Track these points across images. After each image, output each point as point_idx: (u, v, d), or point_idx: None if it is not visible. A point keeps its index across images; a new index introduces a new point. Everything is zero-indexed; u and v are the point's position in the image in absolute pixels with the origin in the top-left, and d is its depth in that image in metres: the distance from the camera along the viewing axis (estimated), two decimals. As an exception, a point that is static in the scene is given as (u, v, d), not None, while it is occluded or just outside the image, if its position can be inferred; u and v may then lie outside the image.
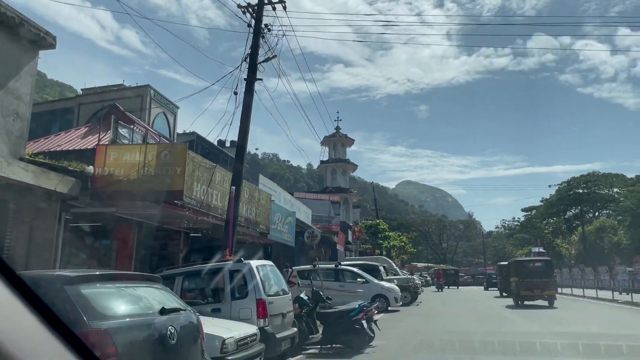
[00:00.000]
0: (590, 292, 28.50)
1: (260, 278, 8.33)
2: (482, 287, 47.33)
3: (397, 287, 20.58)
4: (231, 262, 8.56)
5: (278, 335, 8.18)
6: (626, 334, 12.26)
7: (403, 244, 45.21)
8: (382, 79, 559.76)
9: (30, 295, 1.47)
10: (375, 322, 11.06)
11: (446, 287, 48.63)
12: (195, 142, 29.24)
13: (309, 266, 20.74)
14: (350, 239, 44.65)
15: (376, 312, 11.63)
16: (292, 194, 38.57)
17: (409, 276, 26.40)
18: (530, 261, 26.42)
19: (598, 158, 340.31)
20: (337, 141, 55.58)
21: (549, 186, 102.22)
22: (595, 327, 14.80)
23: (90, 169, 12.19)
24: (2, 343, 1.27)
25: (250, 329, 7.24)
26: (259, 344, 7.40)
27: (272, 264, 9.46)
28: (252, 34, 11.82)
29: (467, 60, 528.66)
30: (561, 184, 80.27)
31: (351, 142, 56.88)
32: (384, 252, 44.74)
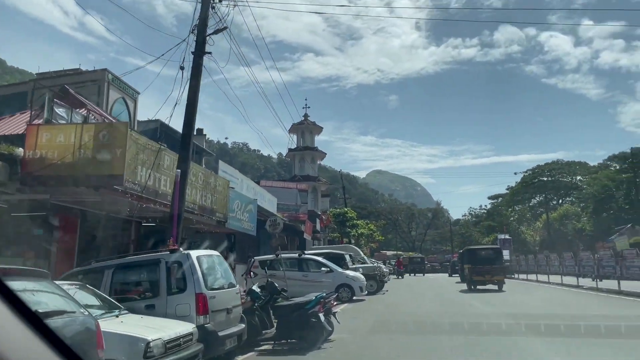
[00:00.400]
0: (556, 278, 28.68)
1: (202, 270, 7.45)
2: (447, 274, 47.97)
3: (362, 276, 19.98)
4: (168, 252, 7.63)
5: (221, 333, 7.33)
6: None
7: (371, 232, 44.67)
8: (352, 68, 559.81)
9: None
10: (334, 314, 10.33)
11: (412, 274, 49.60)
12: (160, 131, 28.25)
13: (271, 256, 19.95)
14: (318, 227, 44.00)
15: (335, 303, 10.90)
16: (258, 183, 37.61)
17: (376, 264, 25.89)
18: (482, 249, 27.98)
19: (562, 147, 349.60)
20: (305, 129, 54.61)
21: (515, 174, 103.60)
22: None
23: (20, 151, 11.00)
24: None
25: (184, 328, 6.37)
26: (196, 344, 6.54)
27: (219, 254, 8.56)
28: (200, 3, 10.76)
29: (436, 51, 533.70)
30: (526, 172, 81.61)
31: (320, 129, 56.02)
32: (353, 241, 44.29)
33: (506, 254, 42.61)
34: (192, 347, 6.38)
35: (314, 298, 9.59)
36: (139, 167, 11.35)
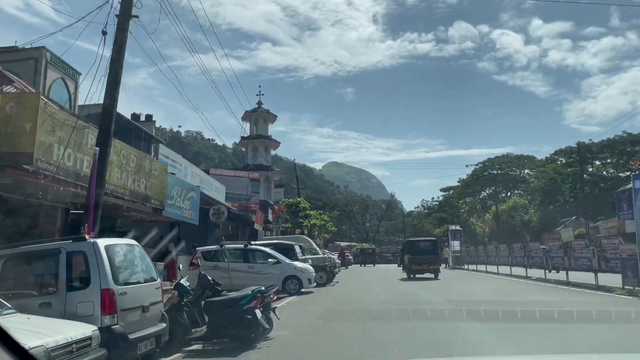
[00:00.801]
0: (505, 269, 28.97)
1: (113, 262, 6.35)
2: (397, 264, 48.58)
3: (311, 268, 19.19)
4: (71, 241, 6.48)
5: (133, 335, 6.27)
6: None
7: (324, 222, 43.92)
8: (310, 59, 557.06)
9: None
10: (274, 310, 9.43)
11: (363, 265, 51.20)
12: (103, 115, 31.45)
13: (215, 246, 18.84)
14: (270, 218, 42.94)
15: (275, 297, 9.99)
16: (208, 172, 36.12)
17: (327, 255, 25.19)
18: (420, 241, 30.12)
19: (511, 143, 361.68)
20: (258, 117, 53.19)
21: (466, 166, 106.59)
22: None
23: None
24: None
25: (80, 331, 5.29)
26: (97, 350, 5.48)
27: (137, 244, 7.45)
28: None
29: (393, 45, 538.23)
30: (477, 165, 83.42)
31: (274, 118, 54.71)
32: (305, 232, 43.54)
33: (457, 245, 43.06)
34: (91, 354, 5.32)
35: (250, 292, 8.65)
36: (55, 145, 9.99)
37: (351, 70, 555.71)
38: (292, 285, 18.03)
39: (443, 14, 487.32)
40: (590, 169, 61.37)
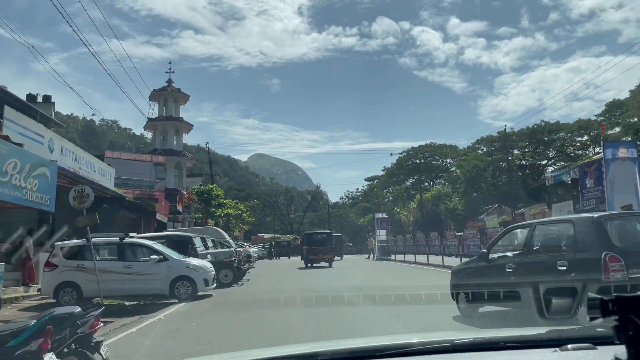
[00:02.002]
0: (422, 258, 28.54)
1: None
2: None
3: (209, 265, 15.29)
4: None
5: None
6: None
7: (240, 212, 39.44)
8: (234, 49, 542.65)
9: None
10: (97, 346, 5.55)
11: (277, 257, 49.86)
12: None
13: (81, 241, 14.45)
14: (180, 208, 38.13)
15: (101, 324, 6.06)
16: (102, 157, 30.93)
17: (234, 249, 21.32)
18: (317, 234, 34.63)
19: (430, 136, 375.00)
20: (168, 96, 47.81)
21: (390, 154, 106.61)
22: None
23: None
24: None
25: None
26: None
27: None
28: None
29: (318, 37, 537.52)
30: (401, 154, 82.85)
31: (186, 98, 49.46)
32: (221, 222, 39.25)
33: (383, 234, 40.76)
34: None
35: (32, 324, 4.72)
36: None
37: (277, 62, 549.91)
38: (183, 288, 14.06)
39: (367, 9, 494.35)
40: (510, 158, 62.12)
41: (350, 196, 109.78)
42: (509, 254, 8.04)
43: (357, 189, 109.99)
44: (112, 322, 9.81)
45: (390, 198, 64.61)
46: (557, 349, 1.63)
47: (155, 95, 47.85)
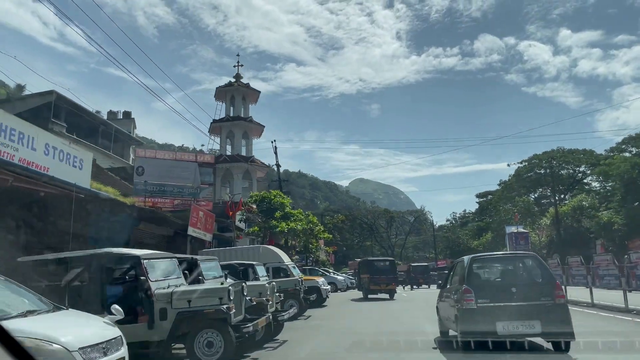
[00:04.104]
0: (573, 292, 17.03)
1: None
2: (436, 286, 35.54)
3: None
4: None
5: None
6: None
7: (310, 226, 29.88)
8: (334, 78, 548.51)
9: None
10: None
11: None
12: (54, 104, 24.13)
13: None
14: (237, 220, 29.82)
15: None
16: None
17: (271, 283, 12.08)
18: (378, 260, 28.74)
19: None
20: (235, 92, 40.73)
21: (508, 165, 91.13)
22: None
23: None
24: None
25: None
26: None
27: None
28: None
29: (417, 60, 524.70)
30: (520, 163, 68.92)
31: (256, 95, 42.01)
32: (289, 240, 30.32)
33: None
34: None
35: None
36: None
37: (376, 87, 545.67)
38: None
39: (468, 27, 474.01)
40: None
41: (457, 218, 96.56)
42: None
43: (465, 210, 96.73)
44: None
45: (515, 211, 51.47)
46: None
47: (221, 93, 41.06)
